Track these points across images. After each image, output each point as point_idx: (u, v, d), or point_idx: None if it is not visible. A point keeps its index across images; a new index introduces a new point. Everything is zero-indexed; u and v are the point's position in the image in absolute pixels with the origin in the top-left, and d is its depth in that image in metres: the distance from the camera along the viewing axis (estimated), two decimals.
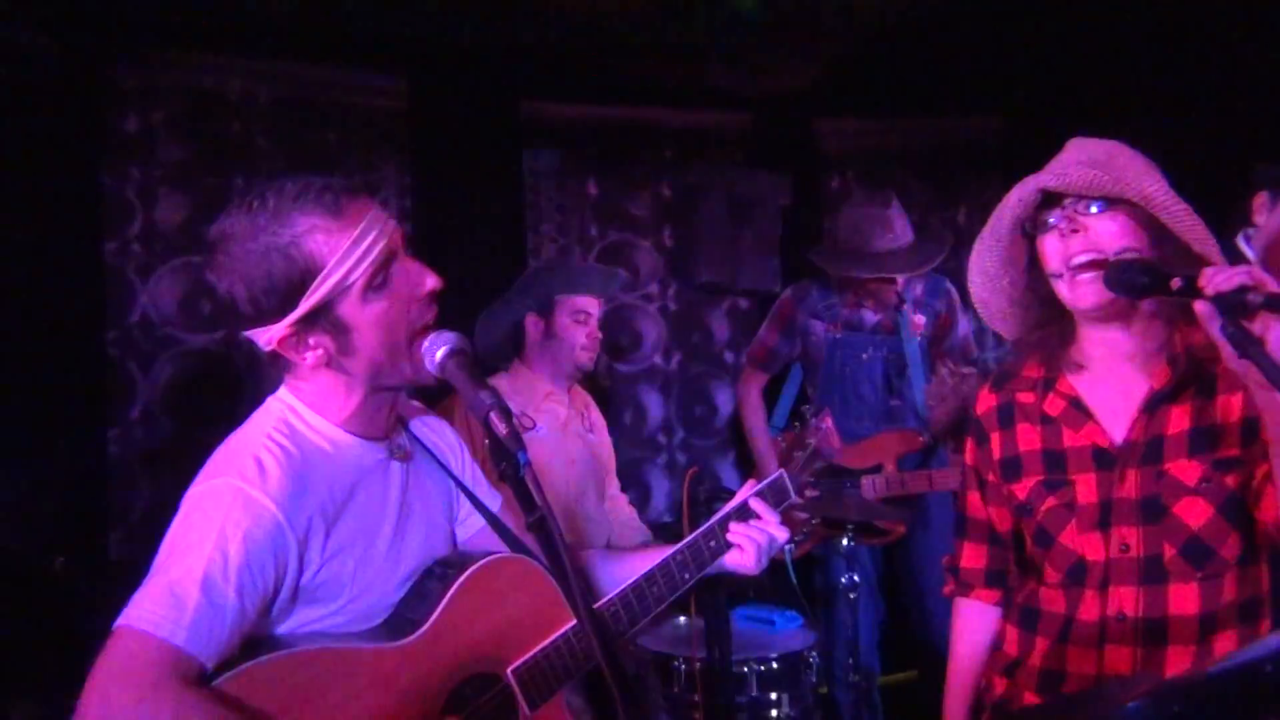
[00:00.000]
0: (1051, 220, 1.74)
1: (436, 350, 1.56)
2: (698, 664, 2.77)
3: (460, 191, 4.36)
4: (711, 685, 2.66)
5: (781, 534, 1.96)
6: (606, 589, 1.90)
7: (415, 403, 1.96)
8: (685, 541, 1.94)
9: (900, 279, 3.72)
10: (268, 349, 1.60)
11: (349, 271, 1.55)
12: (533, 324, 3.24)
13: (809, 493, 2.13)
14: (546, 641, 1.78)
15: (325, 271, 1.54)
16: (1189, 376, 1.74)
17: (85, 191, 3.85)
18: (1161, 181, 1.68)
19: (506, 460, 1.38)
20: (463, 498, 1.90)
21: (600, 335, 3.30)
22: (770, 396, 4.10)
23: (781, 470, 2.07)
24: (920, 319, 3.83)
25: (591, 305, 3.26)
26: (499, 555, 1.80)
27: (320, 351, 1.60)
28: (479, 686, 1.73)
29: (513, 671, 1.75)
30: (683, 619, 3.13)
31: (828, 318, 3.88)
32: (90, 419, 3.84)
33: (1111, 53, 4.24)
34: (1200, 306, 1.47)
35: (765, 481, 2.03)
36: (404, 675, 1.62)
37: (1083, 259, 1.70)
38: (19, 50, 3.35)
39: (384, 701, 1.60)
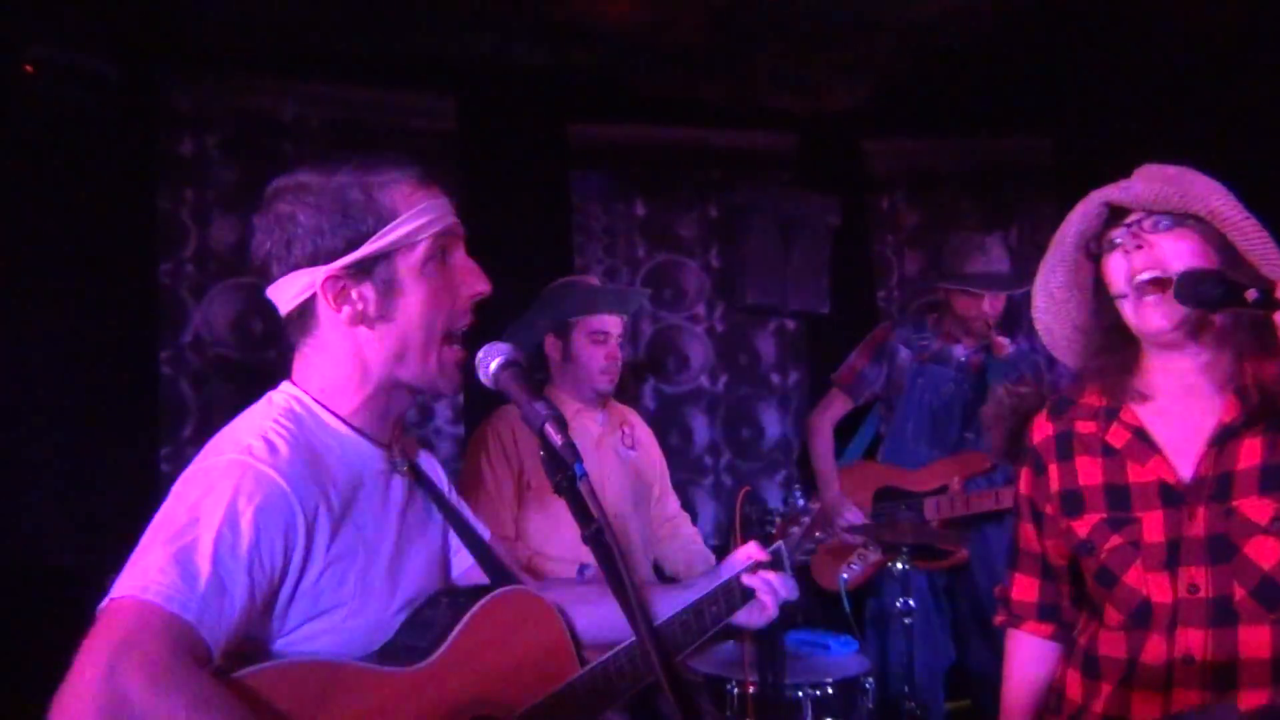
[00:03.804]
0: (1116, 239, 1.70)
1: (490, 361, 1.50)
2: (751, 688, 2.72)
3: (508, 213, 4.36)
4: (765, 710, 2.61)
5: (792, 593, 1.98)
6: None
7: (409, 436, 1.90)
8: (717, 586, 1.91)
9: (993, 313, 3.75)
10: (301, 298, 1.52)
11: (420, 228, 1.51)
12: (551, 345, 3.18)
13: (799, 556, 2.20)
14: (557, 688, 1.65)
15: (400, 220, 1.50)
16: (1259, 410, 1.67)
17: (141, 213, 3.92)
18: (1230, 198, 1.64)
19: (562, 471, 1.35)
20: (452, 532, 1.80)
21: (620, 356, 3.20)
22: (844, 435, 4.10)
23: (780, 543, 2.08)
24: (1005, 340, 3.89)
25: (610, 324, 3.16)
26: (510, 587, 1.71)
27: (360, 307, 1.52)
28: None
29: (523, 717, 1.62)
30: (732, 641, 3.08)
31: (917, 349, 3.92)
32: (143, 438, 3.87)
33: (1165, 72, 4.17)
34: None
35: (769, 549, 2.03)
36: (409, 704, 1.49)
37: (1146, 276, 1.65)
38: (78, 75, 3.41)
39: None
